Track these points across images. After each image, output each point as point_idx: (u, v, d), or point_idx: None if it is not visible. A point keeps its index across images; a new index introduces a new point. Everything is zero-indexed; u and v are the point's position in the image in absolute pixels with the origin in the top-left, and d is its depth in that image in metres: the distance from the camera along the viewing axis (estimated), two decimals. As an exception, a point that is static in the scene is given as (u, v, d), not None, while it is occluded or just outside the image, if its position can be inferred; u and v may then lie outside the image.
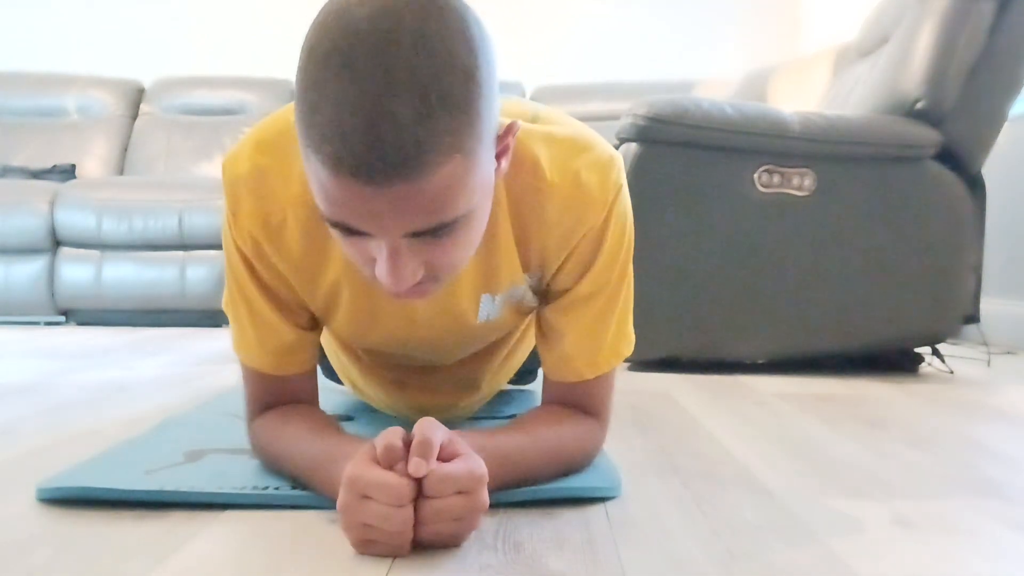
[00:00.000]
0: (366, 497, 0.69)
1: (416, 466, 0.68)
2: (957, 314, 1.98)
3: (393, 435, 0.71)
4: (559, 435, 0.90)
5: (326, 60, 0.60)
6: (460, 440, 0.74)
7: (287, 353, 0.91)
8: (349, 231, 0.65)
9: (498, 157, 0.71)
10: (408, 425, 0.74)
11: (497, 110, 0.68)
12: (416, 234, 0.64)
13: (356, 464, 0.70)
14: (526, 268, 0.88)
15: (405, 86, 0.59)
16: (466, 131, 0.61)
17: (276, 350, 0.91)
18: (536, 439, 0.88)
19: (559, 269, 0.88)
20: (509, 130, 0.71)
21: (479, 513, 0.72)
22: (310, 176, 0.64)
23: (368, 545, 0.71)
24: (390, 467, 0.69)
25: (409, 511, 0.69)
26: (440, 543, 0.72)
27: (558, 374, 0.94)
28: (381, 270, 0.67)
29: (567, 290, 0.89)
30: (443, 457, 0.71)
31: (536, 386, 1.17)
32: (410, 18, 0.60)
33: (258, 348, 0.91)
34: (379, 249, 0.66)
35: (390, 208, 0.62)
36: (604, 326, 0.90)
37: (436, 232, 0.65)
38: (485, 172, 0.67)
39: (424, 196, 0.61)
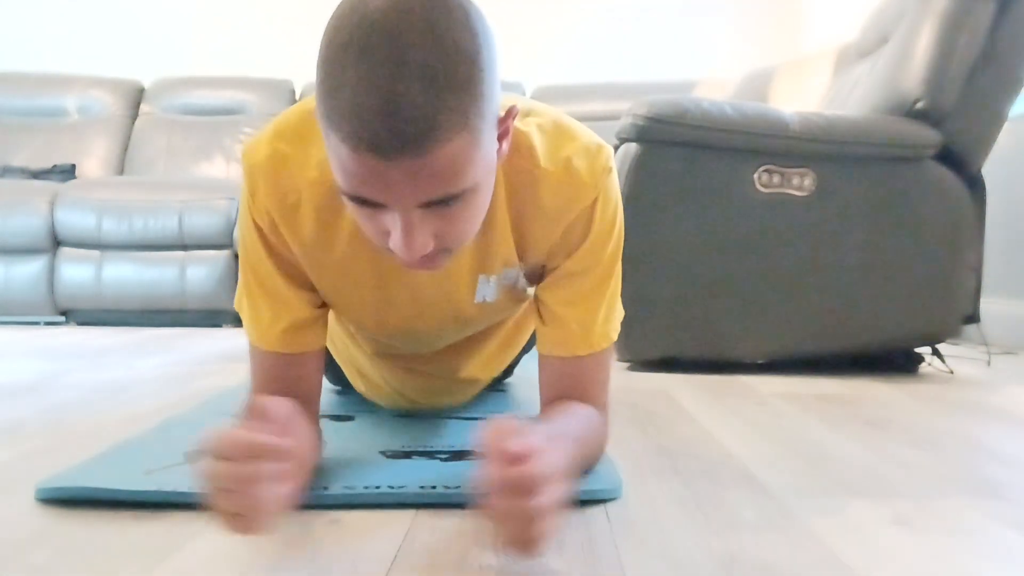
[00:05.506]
0: (214, 462, 0.66)
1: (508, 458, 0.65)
2: (957, 314, 1.98)
3: (263, 400, 0.72)
4: (586, 429, 0.93)
5: (344, 49, 0.65)
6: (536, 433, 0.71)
7: (300, 329, 0.95)
8: (366, 203, 0.70)
9: (500, 139, 0.76)
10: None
11: (498, 95, 0.73)
12: (428, 204, 0.69)
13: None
14: (521, 251, 0.93)
15: (416, 70, 0.64)
16: (471, 110, 0.67)
17: (290, 326, 0.94)
18: (575, 434, 0.89)
19: (552, 249, 0.93)
20: (509, 113, 0.77)
21: (556, 513, 0.68)
22: (330, 155, 0.69)
23: (230, 521, 0.66)
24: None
25: (245, 468, 0.66)
26: (523, 544, 0.67)
27: (552, 348, 0.97)
28: (396, 241, 0.71)
29: (559, 267, 0.94)
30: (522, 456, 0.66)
31: (533, 387, 1.17)
32: (419, 11, 0.66)
33: (272, 325, 0.93)
34: (393, 221, 0.71)
35: (403, 180, 0.67)
36: (595, 304, 0.95)
37: (446, 202, 0.70)
38: (488, 150, 0.72)
39: (434, 168, 0.67)
